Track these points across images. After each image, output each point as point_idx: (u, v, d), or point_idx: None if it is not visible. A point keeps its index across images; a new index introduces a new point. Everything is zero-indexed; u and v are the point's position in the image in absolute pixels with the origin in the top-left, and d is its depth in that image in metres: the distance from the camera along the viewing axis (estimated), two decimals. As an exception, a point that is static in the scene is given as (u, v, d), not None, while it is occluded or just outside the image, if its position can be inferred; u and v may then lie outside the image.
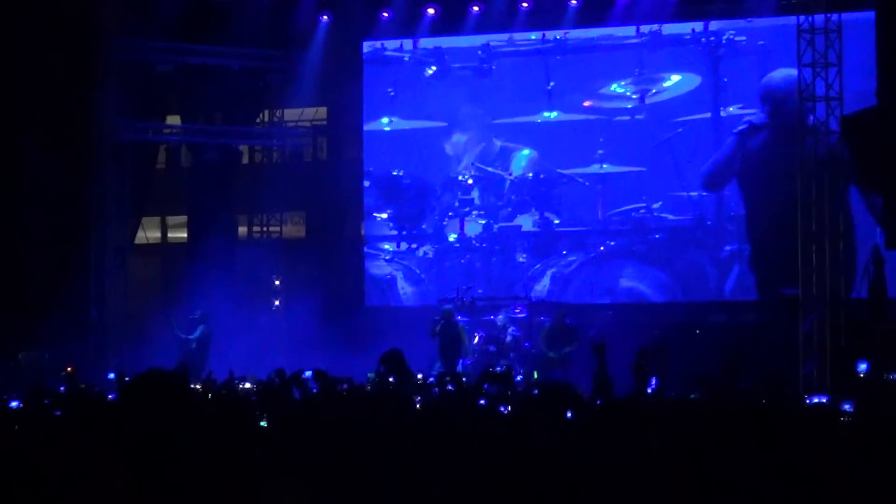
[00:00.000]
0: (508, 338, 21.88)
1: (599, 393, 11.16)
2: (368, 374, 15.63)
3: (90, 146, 24.05)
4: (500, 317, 22.18)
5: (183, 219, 27.85)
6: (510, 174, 23.86)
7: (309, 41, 24.97)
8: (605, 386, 10.17)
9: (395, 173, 24.20)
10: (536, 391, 11.30)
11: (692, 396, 11.05)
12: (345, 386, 10.78)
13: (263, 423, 7.45)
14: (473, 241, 23.98)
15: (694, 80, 23.37)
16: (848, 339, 18.09)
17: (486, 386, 10.31)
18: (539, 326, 21.93)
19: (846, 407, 8.74)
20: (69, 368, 11.70)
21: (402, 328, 20.97)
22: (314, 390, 10.10)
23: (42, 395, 9.39)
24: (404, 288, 24.28)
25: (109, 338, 23.75)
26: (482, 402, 9.56)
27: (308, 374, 9.31)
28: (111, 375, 15.32)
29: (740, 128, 22.80)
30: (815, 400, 11.21)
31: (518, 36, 24.02)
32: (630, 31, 23.54)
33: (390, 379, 11.56)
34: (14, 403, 9.07)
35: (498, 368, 11.80)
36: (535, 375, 18.55)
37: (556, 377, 19.93)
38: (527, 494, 5.58)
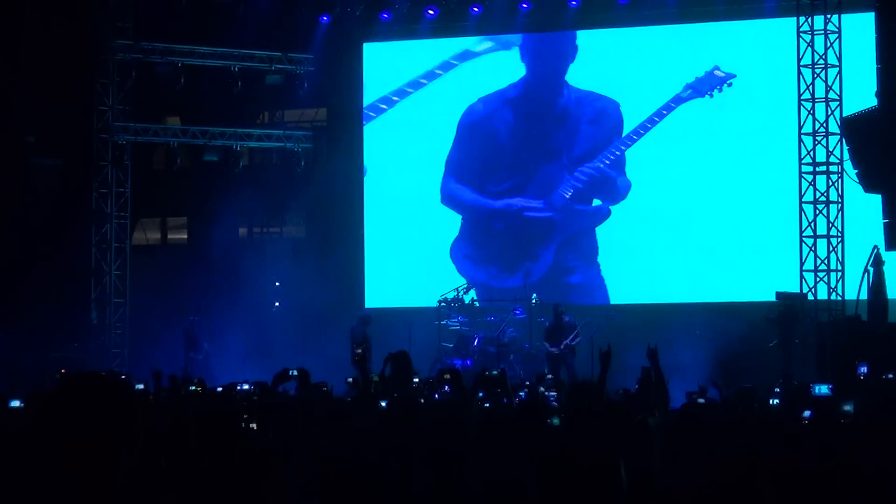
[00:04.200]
0: (507, 339, 21.82)
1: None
2: (372, 377, 15.57)
3: (90, 147, 24.07)
4: (499, 318, 22.12)
5: (183, 220, 27.87)
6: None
7: (309, 42, 24.97)
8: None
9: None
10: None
11: (700, 401, 11.01)
12: (323, 390, 10.71)
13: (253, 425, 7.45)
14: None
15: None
16: (848, 340, 18.06)
17: (480, 393, 10.27)
18: (539, 327, 21.88)
19: (847, 408, 8.74)
20: (62, 371, 11.65)
21: (401, 329, 20.96)
22: (291, 392, 10.02)
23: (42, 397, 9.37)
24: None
25: (110, 339, 23.76)
26: (486, 405, 9.53)
27: (293, 372, 9.24)
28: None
29: None
30: (822, 389, 11.20)
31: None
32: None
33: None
34: (14, 403, 9.07)
35: (494, 372, 11.75)
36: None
37: (562, 374, 19.92)
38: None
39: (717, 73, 22.72)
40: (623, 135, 23.56)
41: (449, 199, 24.47)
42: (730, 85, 22.88)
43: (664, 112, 23.24)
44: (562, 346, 20.65)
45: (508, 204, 24.17)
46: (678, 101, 23.19)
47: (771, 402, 11.75)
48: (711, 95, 22.96)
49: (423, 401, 10.78)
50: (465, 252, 24.23)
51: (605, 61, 23.76)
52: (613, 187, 23.59)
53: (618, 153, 23.57)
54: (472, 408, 8.73)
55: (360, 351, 9.88)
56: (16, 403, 9.10)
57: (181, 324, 22.47)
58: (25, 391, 10.78)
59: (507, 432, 7.09)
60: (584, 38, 24.08)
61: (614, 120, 23.63)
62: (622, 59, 23.65)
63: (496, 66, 24.45)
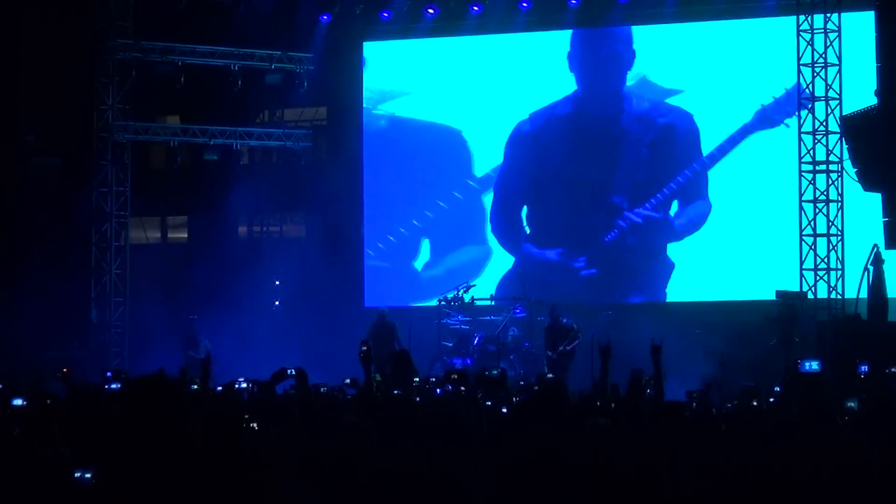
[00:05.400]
0: (508, 338, 21.78)
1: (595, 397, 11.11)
2: (375, 375, 15.56)
3: (90, 146, 24.06)
4: (500, 317, 22.09)
5: (183, 219, 27.85)
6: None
7: (309, 41, 24.98)
8: (602, 391, 10.15)
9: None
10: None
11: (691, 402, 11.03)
12: (322, 390, 10.69)
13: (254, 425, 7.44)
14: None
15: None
16: (848, 339, 18.06)
17: (480, 393, 10.27)
18: (539, 326, 21.86)
19: (850, 404, 8.74)
20: (64, 370, 11.69)
21: (402, 329, 20.97)
22: (278, 391, 9.99)
23: (42, 396, 9.36)
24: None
25: (109, 338, 23.75)
26: (489, 403, 9.54)
27: (291, 371, 9.23)
28: (108, 375, 15.28)
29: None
30: (813, 366, 11.20)
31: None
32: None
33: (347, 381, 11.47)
34: (17, 401, 9.06)
35: (494, 372, 11.77)
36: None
37: (558, 377, 19.87)
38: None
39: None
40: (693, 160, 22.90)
41: (498, 235, 24.04)
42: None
43: (727, 147, 22.67)
44: (557, 351, 20.59)
45: (556, 256, 23.61)
46: (745, 132, 22.59)
47: (772, 400, 11.75)
48: (787, 125, 22.19)
49: (418, 399, 10.78)
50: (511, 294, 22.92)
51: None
52: (669, 230, 23.09)
53: (667, 192, 22.96)
54: (480, 406, 8.75)
55: (364, 349, 9.82)
56: (18, 402, 9.08)
57: (181, 322, 22.46)
58: (26, 390, 10.78)
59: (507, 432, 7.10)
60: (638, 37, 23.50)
61: (683, 139, 22.94)
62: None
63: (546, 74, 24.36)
